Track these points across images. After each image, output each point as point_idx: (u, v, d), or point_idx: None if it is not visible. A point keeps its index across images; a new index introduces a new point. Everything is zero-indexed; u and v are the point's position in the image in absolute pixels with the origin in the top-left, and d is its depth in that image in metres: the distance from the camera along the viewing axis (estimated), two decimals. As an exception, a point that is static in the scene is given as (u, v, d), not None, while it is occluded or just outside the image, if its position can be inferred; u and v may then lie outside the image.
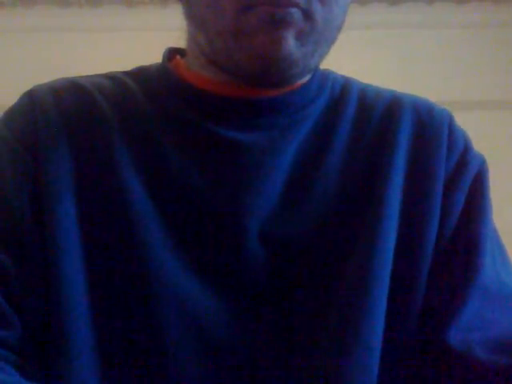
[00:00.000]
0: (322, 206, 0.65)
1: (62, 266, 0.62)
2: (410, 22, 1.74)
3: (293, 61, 0.60)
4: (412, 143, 0.68)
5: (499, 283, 0.66)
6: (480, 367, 0.62)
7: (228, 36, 0.60)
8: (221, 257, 0.63)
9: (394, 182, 0.66)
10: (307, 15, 0.59)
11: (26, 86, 0.70)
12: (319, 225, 0.65)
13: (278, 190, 0.65)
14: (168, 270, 0.62)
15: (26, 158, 0.64)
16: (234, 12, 0.59)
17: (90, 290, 0.62)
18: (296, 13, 0.59)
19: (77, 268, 0.62)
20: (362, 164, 0.67)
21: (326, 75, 0.72)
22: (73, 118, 0.66)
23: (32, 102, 0.67)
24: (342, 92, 0.71)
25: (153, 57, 0.73)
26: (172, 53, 0.73)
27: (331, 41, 0.64)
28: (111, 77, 0.71)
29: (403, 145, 0.68)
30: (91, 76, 0.72)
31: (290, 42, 0.59)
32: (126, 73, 0.72)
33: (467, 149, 0.70)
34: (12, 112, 0.68)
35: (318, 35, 0.61)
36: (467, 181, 0.68)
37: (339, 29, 0.64)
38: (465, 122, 0.73)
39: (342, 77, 0.73)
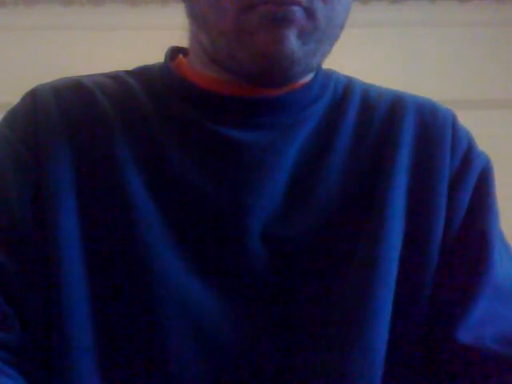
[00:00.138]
0: (324, 207, 0.65)
1: (63, 266, 0.61)
2: (412, 20, 1.74)
3: (295, 59, 0.60)
4: (415, 143, 0.68)
5: (509, 280, 0.66)
6: (496, 359, 0.61)
7: (230, 35, 0.60)
8: (222, 257, 0.63)
9: (398, 183, 0.66)
10: (309, 13, 0.59)
11: (28, 85, 0.70)
12: (321, 225, 0.64)
13: (279, 190, 0.65)
14: (170, 270, 0.62)
15: (28, 158, 0.64)
16: (236, 11, 0.59)
17: (92, 290, 0.62)
18: (298, 11, 0.58)
19: (78, 268, 0.62)
20: (365, 164, 0.67)
21: (329, 75, 0.71)
22: (74, 117, 0.66)
23: (34, 101, 0.67)
24: (344, 92, 0.71)
25: (155, 55, 0.73)
26: (174, 52, 0.73)
27: (333, 39, 0.64)
28: (113, 76, 0.71)
29: (406, 145, 0.68)
30: (94, 75, 0.72)
31: (292, 41, 0.59)
32: (128, 72, 0.72)
33: (471, 148, 0.70)
34: (14, 112, 0.68)
35: (320, 34, 0.61)
36: (472, 179, 0.68)
37: (341, 27, 0.64)
38: (467, 120, 0.73)
39: (345, 77, 0.73)
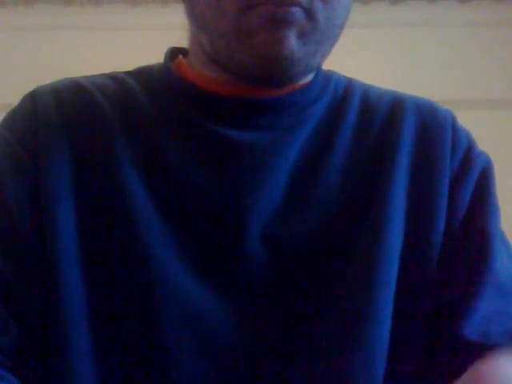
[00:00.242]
0: (324, 207, 0.65)
1: (62, 267, 0.61)
2: (412, 20, 1.74)
3: (295, 60, 0.60)
4: (415, 144, 0.68)
5: (511, 278, 0.66)
6: (503, 354, 0.61)
7: (230, 36, 0.60)
8: (222, 257, 0.63)
9: (398, 183, 0.66)
10: (309, 14, 0.59)
11: (28, 85, 0.70)
12: (321, 226, 0.64)
13: (279, 191, 0.65)
14: (169, 270, 0.62)
15: (27, 160, 0.64)
16: (236, 12, 0.59)
17: (90, 291, 0.62)
18: (298, 12, 0.58)
19: (76, 269, 0.62)
20: (365, 165, 0.67)
21: (329, 76, 0.71)
22: (74, 118, 0.66)
23: (34, 103, 0.67)
24: (344, 93, 0.71)
25: (154, 55, 0.73)
26: (174, 52, 0.73)
27: (333, 40, 0.64)
28: (113, 77, 0.71)
29: (406, 146, 0.68)
30: (93, 76, 0.71)
31: (292, 41, 0.59)
32: (127, 73, 0.72)
33: (471, 148, 0.70)
34: (14, 113, 0.68)
35: (320, 34, 0.61)
36: (472, 179, 0.68)
37: (341, 28, 0.64)
38: (467, 120, 0.73)
39: (345, 78, 0.73)
